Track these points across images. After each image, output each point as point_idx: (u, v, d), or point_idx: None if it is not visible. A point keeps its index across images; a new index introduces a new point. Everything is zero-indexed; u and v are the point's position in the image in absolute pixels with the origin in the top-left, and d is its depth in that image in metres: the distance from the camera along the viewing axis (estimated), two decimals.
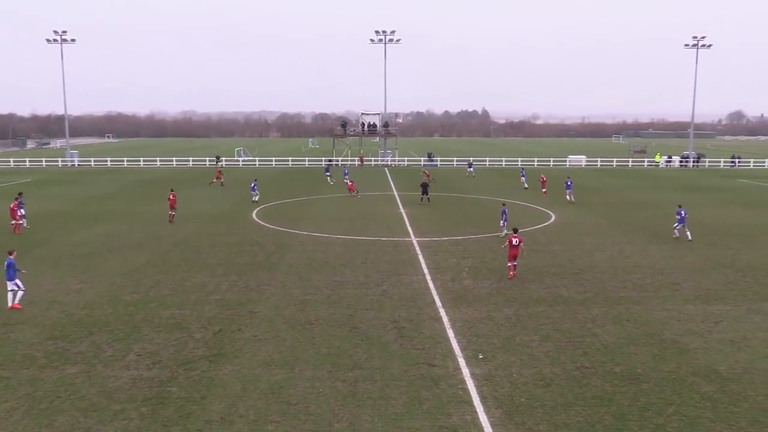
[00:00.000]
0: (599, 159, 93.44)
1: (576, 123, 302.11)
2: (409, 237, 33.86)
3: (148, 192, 56.33)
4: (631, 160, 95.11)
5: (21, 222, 36.33)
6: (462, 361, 16.69)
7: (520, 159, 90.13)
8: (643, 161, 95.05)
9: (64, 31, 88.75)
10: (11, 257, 21.89)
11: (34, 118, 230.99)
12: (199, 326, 19.51)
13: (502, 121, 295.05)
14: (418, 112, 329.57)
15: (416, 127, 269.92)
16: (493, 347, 17.73)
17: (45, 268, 26.99)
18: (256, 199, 48.60)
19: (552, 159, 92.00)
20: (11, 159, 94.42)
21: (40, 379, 15.72)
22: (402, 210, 44.21)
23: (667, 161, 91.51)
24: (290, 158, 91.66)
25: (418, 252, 30.08)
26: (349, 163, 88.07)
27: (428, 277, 25.30)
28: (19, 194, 38.90)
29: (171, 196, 40.57)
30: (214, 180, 61.65)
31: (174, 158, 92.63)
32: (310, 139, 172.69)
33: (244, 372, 16.04)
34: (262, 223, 38.48)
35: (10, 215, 36.81)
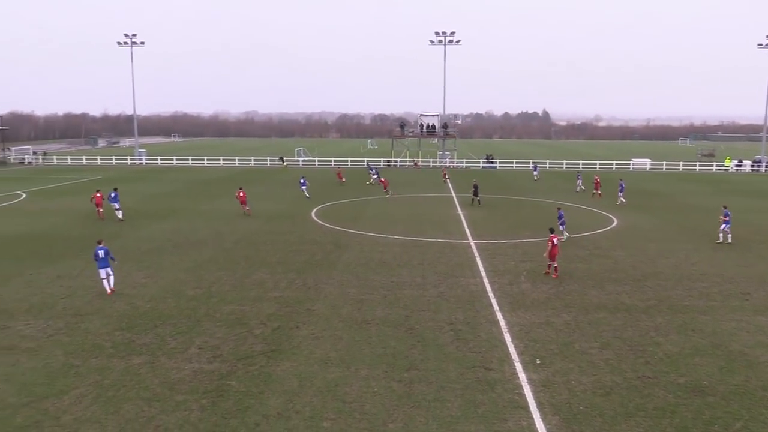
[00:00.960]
0: (664, 162, 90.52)
1: (640, 125, 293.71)
2: (467, 239, 33.61)
3: (212, 190, 57.82)
4: (698, 164, 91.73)
5: (117, 213, 40.22)
6: (519, 366, 16.46)
7: (581, 162, 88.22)
8: (712, 165, 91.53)
9: (134, 34, 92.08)
10: (103, 246, 23.28)
11: (105, 118, 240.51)
12: (259, 322, 19.90)
13: (563, 123, 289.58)
14: (477, 114, 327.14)
15: (475, 129, 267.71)
16: (551, 353, 17.41)
17: (113, 262, 27.97)
18: (308, 195, 50.83)
19: (615, 162, 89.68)
20: (83, 157, 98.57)
21: (107, 368, 16.36)
22: (460, 212, 43.95)
23: (737, 165, 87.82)
24: (349, 159, 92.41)
25: (476, 254, 29.84)
26: (400, 163, 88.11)
27: (485, 280, 25.06)
28: (115, 189, 42.66)
29: (240, 193, 42.99)
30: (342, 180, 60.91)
31: (236, 158, 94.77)
32: (369, 140, 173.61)
33: (301, 369, 16.26)
34: (321, 223, 38.92)
35: (95, 203, 40.97)
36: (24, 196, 53.21)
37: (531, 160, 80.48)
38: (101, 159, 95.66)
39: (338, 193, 54.15)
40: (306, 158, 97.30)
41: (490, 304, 21.87)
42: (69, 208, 45.23)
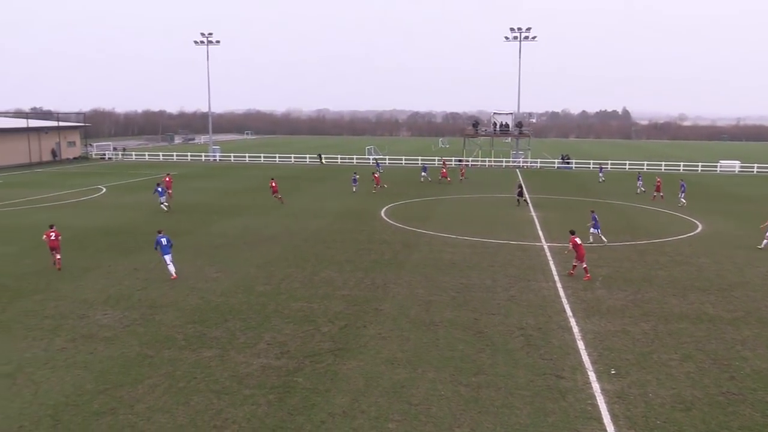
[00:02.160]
0: (756, 165, 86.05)
1: (729, 125, 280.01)
2: (540, 241, 33.02)
3: (282, 187, 58.98)
4: None
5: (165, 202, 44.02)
6: (592, 375, 16.04)
7: (663, 163, 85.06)
8: None
9: (210, 33, 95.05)
10: (164, 234, 25.57)
11: (182, 115, 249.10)
12: (326, 320, 20.19)
13: (645, 122, 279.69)
14: (552, 112, 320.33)
15: (551, 128, 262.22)
16: (627, 363, 16.88)
17: (187, 256, 29.09)
18: (355, 190, 53.34)
19: (700, 164, 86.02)
20: (160, 153, 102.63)
21: (179, 359, 16.98)
22: (533, 213, 43.22)
23: None
24: (419, 157, 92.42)
25: (549, 257, 29.27)
26: (471, 163, 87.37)
27: (559, 285, 24.55)
28: (158, 184, 45.84)
29: (272, 184, 48.44)
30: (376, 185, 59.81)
31: (307, 156, 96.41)
32: (441, 139, 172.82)
33: (367, 368, 16.40)
34: (390, 222, 39.10)
35: (166, 187, 46.77)
36: (104, 190, 55.91)
37: (600, 162, 78.17)
38: (177, 155, 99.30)
39: (408, 192, 54.25)
40: (377, 156, 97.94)
41: (563, 310, 21.41)
42: (145, 203, 47.19)
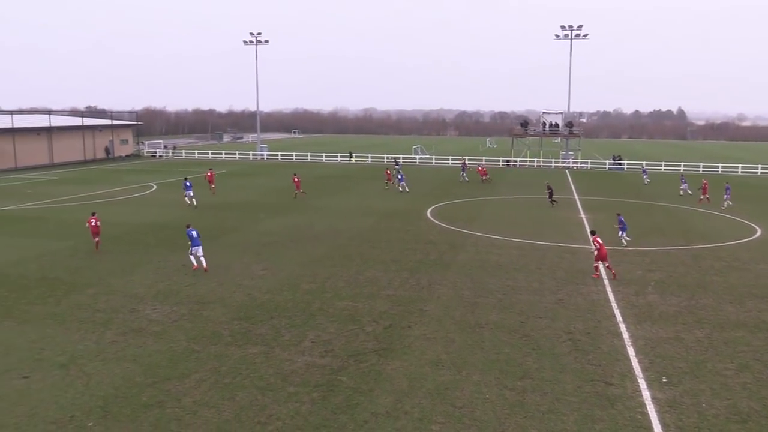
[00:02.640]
0: None
1: None
2: (589, 244, 32.39)
3: (329, 186, 59.50)
4: None
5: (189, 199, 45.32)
6: (642, 383, 15.67)
7: (720, 165, 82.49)
8: None
9: (259, 33, 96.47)
10: (193, 228, 26.77)
11: (230, 114, 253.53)
12: (371, 320, 20.26)
13: (701, 123, 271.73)
14: (604, 112, 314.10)
15: (602, 128, 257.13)
16: (680, 371, 16.43)
17: (234, 253, 29.60)
18: (407, 189, 53.29)
19: (760, 166, 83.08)
20: (209, 151, 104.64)
21: (225, 355, 17.29)
22: (583, 215, 42.48)
23: None
24: (467, 157, 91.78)
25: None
26: (519, 163, 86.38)
27: (608, 289, 24.07)
28: (186, 178, 47.75)
29: (295, 178, 51.28)
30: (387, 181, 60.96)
31: (354, 155, 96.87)
32: (488, 139, 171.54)
33: (411, 369, 16.39)
34: (436, 222, 38.99)
35: (208, 182, 52.62)
36: (154, 187, 57.32)
37: (646, 163, 76.23)
38: (225, 154, 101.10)
39: (455, 192, 54.00)
40: (423, 156, 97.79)
41: (613, 315, 20.98)
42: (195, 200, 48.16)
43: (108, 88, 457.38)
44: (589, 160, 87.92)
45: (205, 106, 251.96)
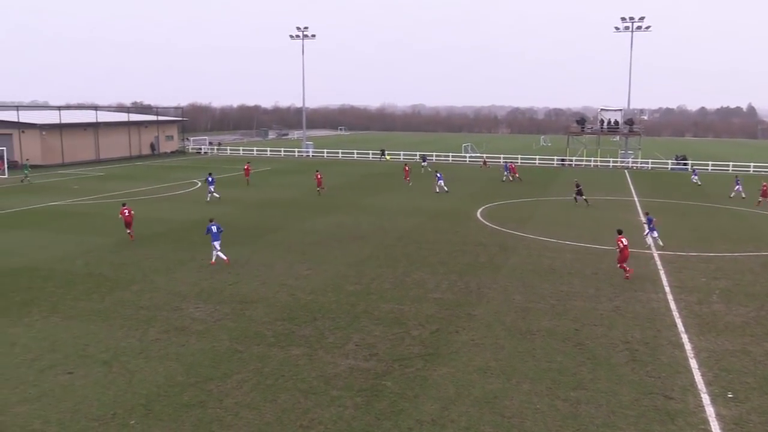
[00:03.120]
0: None
1: None
2: (650, 249, 31.69)
3: (375, 184, 59.67)
4: None
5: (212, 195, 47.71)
6: (706, 398, 15.22)
7: None
8: None
9: (306, 27, 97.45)
10: (215, 222, 28.14)
11: (276, 110, 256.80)
12: (417, 323, 20.23)
13: None
14: (666, 109, 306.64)
15: (664, 126, 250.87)
16: (747, 387, 15.89)
17: (278, 252, 29.98)
18: (446, 189, 53.05)
19: None
20: (254, 148, 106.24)
21: (268, 356, 17.51)
22: (643, 218, 41.52)
23: None
24: (519, 156, 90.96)
25: (660, 267, 28.04)
26: (575, 163, 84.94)
27: (670, 297, 23.47)
28: (210, 174, 50.48)
29: (317, 176, 52.56)
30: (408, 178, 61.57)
31: (401, 152, 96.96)
32: (542, 137, 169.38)
33: (458, 375, 16.30)
34: (486, 223, 38.72)
35: (245, 175, 58.58)
36: (199, 184, 58.45)
37: (692, 163, 73.81)
38: (270, 150, 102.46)
39: (507, 192, 53.51)
40: (473, 154, 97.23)
41: (674, 324, 20.44)
42: (239, 198, 49.03)
43: (154, 83, 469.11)
44: (650, 160, 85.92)
45: (250, 102, 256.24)
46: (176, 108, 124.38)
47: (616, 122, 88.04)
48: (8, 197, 49.44)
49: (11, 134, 76.95)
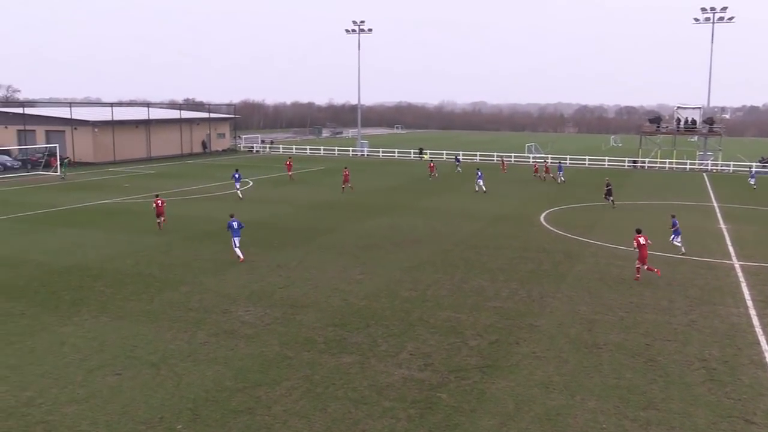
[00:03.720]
0: None
1: None
2: (730, 259, 30.68)
3: (432, 186, 59.61)
4: None
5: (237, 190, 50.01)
6: None
7: None
8: None
9: (362, 21, 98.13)
10: (235, 218, 29.72)
11: (330, 108, 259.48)
12: (475, 333, 20.09)
13: None
14: (751, 107, 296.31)
15: (748, 125, 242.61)
16: None
17: (330, 255, 30.24)
18: (484, 189, 54.07)
19: None
20: (308, 147, 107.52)
21: (318, 363, 17.66)
22: (722, 225, 40.26)
23: None
24: (587, 157, 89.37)
25: (741, 279, 27.11)
26: (648, 164, 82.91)
27: (752, 312, 22.65)
28: (237, 170, 52.95)
29: (345, 172, 54.86)
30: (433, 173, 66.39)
31: (460, 152, 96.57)
32: (612, 137, 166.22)
33: (518, 390, 16.10)
34: (551, 228, 38.20)
35: (286, 169, 63.68)
36: (250, 183, 59.54)
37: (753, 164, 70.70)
38: (324, 149, 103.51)
39: (573, 195, 52.68)
40: (538, 155, 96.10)
41: (757, 342, 19.72)
42: (291, 198, 49.71)
43: (207, 80, 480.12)
44: (731, 162, 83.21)
45: (304, 99, 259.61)
46: (228, 105, 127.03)
47: (694, 121, 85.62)
48: (60, 194, 51.39)
49: (64, 131, 79.98)
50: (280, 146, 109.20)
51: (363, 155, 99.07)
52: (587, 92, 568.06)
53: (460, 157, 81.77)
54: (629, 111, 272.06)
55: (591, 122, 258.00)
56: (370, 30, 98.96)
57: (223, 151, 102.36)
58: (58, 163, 66.31)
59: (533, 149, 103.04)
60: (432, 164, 68.43)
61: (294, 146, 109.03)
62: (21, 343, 19.07)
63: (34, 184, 58.70)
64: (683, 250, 31.43)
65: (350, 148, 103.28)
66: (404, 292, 24.53)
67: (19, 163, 72.24)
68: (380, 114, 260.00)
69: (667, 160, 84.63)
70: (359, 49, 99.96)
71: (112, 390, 15.99)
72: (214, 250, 31.20)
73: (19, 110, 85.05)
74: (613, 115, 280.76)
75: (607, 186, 48.16)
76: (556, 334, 20.17)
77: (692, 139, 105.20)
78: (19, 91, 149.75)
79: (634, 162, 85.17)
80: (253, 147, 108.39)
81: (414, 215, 42.40)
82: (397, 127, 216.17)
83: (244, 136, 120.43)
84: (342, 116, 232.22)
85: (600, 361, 18.06)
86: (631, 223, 40.17)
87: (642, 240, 26.18)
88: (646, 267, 26.30)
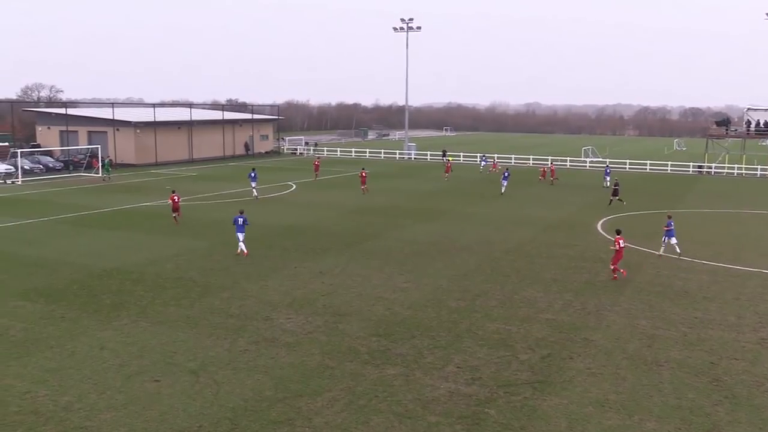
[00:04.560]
0: None
1: None
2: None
3: (481, 191, 59.28)
4: None
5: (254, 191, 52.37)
6: None
7: None
8: None
9: (411, 19, 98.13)
10: (243, 215, 32.02)
11: (377, 109, 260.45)
12: (526, 346, 19.90)
13: None
14: None
15: None
16: None
17: (375, 262, 30.32)
18: (503, 191, 55.65)
19: None
20: (353, 149, 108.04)
21: (361, 374, 17.71)
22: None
23: None
24: (648, 162, 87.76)
25: None
26: (715, 170, 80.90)
27: None
28: (253, 169, 55.24)
29: (363, 173, 57.23)
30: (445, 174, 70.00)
31: (512, 155, 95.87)
32: (676, 140, 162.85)
33: (571, 408, 15.89)
34: (608, 237, 37.59)
35: (314, 169, 66.23)
36: (294, 187, 60.14)
37: None
38: (370, 152, 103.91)
39: (632, 202, 51.79)
40: (595, 159, 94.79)
41: None
42: (334, 202, 50.02)
43: (250, 79, 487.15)
44: None
45: (349, 100, 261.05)
46: (272, 106, 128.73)
47: (767, 123, 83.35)
48: (102, 196, 52.72)
49: (106, 132, 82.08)
50: (324, 148, 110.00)
51: (410, 159, 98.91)
52: (649, 93, 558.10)
53: (491, 159, 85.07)
54: (695, 113, 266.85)
55: (653, 124, 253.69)
56: (418, 28, 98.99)
57: (266, 153, 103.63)
58: (100, 164, 68.07)
59: (590, 153, 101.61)
60: (449, 164, 73.68)
61: (339, 148, 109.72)
62: (60, 347, 19.61)
63: (76, 186, 60.38)
64: (678, 250, 31.95)
65: (397, 151, 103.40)
66: (452, 301, 24.44)
67: (61, 164, 74.38)
68: (428, 116, 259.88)
69: (736, 166, 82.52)
70: (407, 47, 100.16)
71: (151, 397, 16.30)
72: (255, 255, 31.59)
73: (62, 111, 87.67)
74: (677, 117, 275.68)
75: (616, 185, 51.60)
76: (613, 349, 19.85)
77: (764, 143, 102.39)
78: (62, 91, 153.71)
79: (700, 167, 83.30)
80: (296, 149, 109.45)
81: (463, 221, 42.23)
82: (446, 129, 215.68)
83: (287, 138, 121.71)
84: (389, 118, 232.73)
85: (660, 379, 17.71)
86: (696, 233, 39.36)
87: (622, 243, 27.80)
88: (612, 268, 28.00)
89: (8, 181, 62.45)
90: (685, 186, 65.43)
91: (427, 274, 28.48)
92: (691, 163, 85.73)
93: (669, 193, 59.52)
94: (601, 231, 39.57)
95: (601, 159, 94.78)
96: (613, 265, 28.02)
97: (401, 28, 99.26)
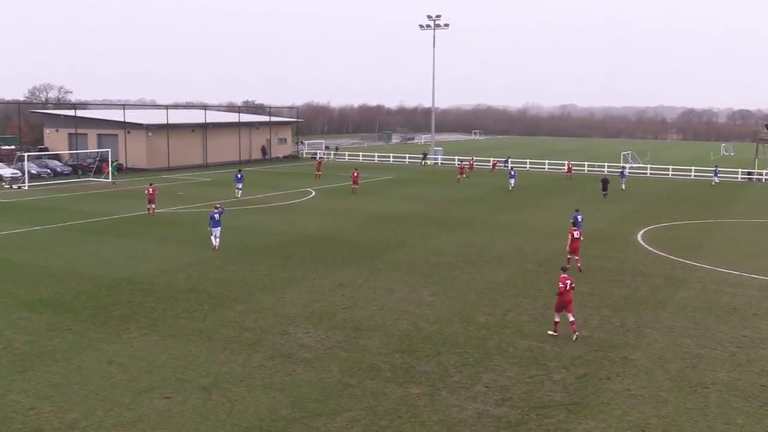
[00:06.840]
0: None
1: None
2: None
3: (513, 199, 59.08)
4: None
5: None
6: None
7: None
8: None
9: (438, 16, 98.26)
10: (220, 210, 35.29)
11: (401, 111, 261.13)
12: (560, 365, 19.75)
13: None
14: None
15: None
16: None
17: (398, 274, 30.29)
18: (511, 189, 59.79)
19: None
20: (375, 154, 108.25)
21: (383, 393, 17.67)
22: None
23: None
24: (692, 168, 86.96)
25: None
26: (765, 177, 79.93)
27: None
28: (239, 170, 58.81)
29: (355, 174, 61.76)
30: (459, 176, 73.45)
31: (546, 161, 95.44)
32: (723, 144, 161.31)
33: None
34: (649, 248, 37.29)
35: (317, 168, 71.96)
36: (313, 193, 60.36)
37: None
38: (393, 157, 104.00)
39: (678, 211, 51.31)
40: (635, 164, 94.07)
41: None
42: (356, 210, 50.09)
43: (268, 80, 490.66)
44: None
45: (372, 102, 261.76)
46: (291, 108, 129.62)
47: None
48: (112, 202, 53.28)
49: (117, 135, 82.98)
50: (346, 153, 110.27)
51: (437, 164, 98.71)
52: (693, 94, 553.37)
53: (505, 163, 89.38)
54: (744, 115, 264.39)
55: (698, 128, 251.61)
56: (446, 25, 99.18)
57: (284, 157, 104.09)
58: (110, 169, 68.85)
59: (630, 158, 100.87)
60: (462, 167, 77.20)
61: (361, 153, 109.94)
62: (67, 361, 19.79)
63: (85, 191, 61.09)
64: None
65: (420, 156, 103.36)
66: (480, 316, 24.32)
67: (70, 168, 75.30)
68: (456, 118, 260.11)
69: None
70: (434, 46, 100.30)
71: (161, 415, 16.38)
72: (271, 265, 31.70)
73: (71, 113, 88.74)
74: (724, 119, 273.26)
75: (605, 181, 59.27)
76: (655, 369, 19.64)
77: None
78: (71, 92, 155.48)
79: (750, 174, 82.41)
80: (316, 153, 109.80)
81: (492, 231, 42.09)
82: (475, 133, 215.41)
83: (306, 142, 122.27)
84: (414, 120, 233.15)
85: (706, 402, 17.48)
86: (745, 245, 38.89)
87: (576, 234, 31.50)
88: (572, 257, 31.27)
89: (14, 186, 63.36)
90: (733, 193, 64.64)
91: (454, 286, 28.39)
92: (740, 170, 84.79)
93: (715, 203, 58.85)
94: (642, 242, 39.22)
95: (641, 164, 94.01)
96: (569, 254, 31.59)
97: (428, 26, 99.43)
